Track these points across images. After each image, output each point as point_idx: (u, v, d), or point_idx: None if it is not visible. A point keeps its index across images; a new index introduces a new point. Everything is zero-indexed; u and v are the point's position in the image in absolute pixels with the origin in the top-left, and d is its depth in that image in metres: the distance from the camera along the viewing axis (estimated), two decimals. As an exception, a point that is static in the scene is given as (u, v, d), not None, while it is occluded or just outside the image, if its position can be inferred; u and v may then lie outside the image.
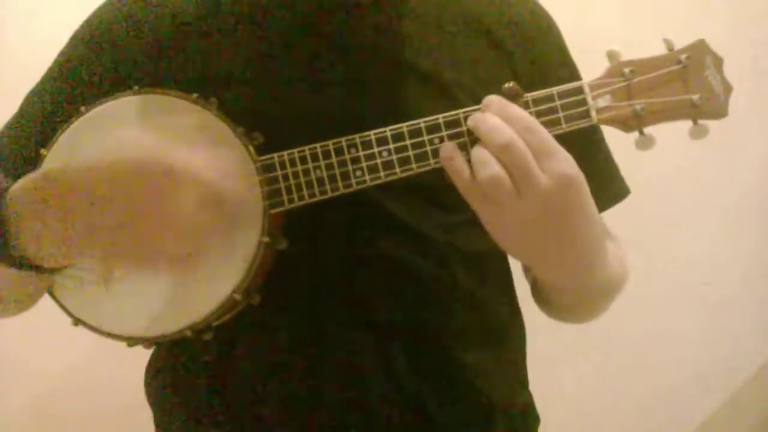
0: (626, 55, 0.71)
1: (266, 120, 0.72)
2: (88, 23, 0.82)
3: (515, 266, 0.90)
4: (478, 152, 0.63)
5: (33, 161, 0.72)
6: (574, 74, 0.85)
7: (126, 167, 0.62)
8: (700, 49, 0.70)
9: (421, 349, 0.78)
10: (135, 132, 0.68)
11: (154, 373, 0.85)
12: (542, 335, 0.95)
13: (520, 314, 0.89)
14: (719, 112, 0.70)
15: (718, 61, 0.71)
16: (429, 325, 0.78)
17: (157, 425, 0.85)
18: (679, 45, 0.71)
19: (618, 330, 1.29)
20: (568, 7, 1.03)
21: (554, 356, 1.26)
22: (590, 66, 0.90)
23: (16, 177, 0.74)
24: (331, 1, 0.78)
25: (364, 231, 0.75)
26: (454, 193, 0.65)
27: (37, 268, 0.65)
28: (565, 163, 0.63)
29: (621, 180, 0.89)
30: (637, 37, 1.42)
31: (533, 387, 0.91)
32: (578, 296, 0.81)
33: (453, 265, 0.79)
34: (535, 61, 0.82)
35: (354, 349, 0.76)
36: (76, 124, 0.71)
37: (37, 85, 0.82)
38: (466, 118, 0.68)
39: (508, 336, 0.86)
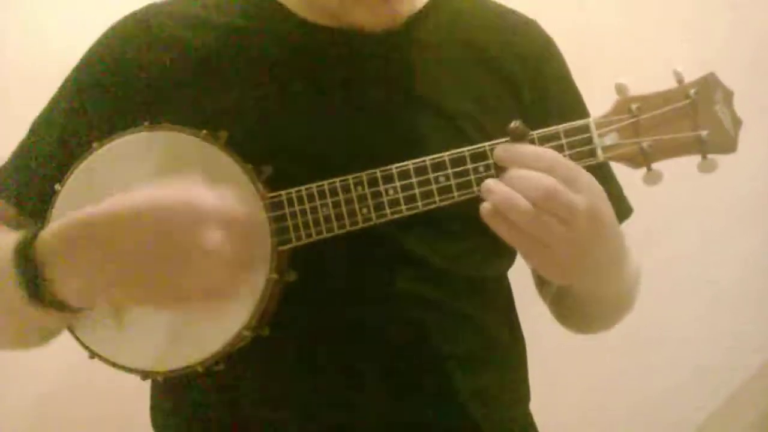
0: (633, 67, 0.71)
1: (274, 152, 0.73)
2: (96, 51, 0.81)
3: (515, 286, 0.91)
4: (512, 198, 0.62)
5: (44, 195, 0.73)
6: (577, 100, 0.86)
7: (151, 213, 0.62)
8: (709, 83, 0.69)
9: (419, 368, 0.78)
10: (150, 172, 0.68)
11: (157, 403, 0.86)
12: (542, 335, 0.95)
13: (521, 334, 0.90)
14: (729, 146, 0.70)
15: (728, 95, 0.70)
16: (426, 345, 0.79)
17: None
18: (685, 55, 0.70)
19: (618, 330, 1.29)
20: (568, 7, 1.02)
21: (554, 356, 1.27)
22: (590, 66, 0.90)
23: (30, 210, 0.76)
24: (339, 31, 0.78)
25: (369, 260, 0.76)
26: (458, 222, 0.66)
27: (63, 308, 0.66)
28: (589, 178, 0.65)
29: (626, 200, 0.90)
30: (637, 38, 1.40)
31: (533, 387, 0.91)
32: (597, 303, 0.82)
33: (456, 291, 0.79)
34: (540, 88, 0.82)
35: (352, 367, 0.77)
36: (89, 161, 0.72)
37: (44, 113, 0.82)
38: (471, 156, 0.68)
39: (509, 357, 0.87)
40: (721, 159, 0.70)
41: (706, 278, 1.60)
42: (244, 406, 0.78)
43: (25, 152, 0.81)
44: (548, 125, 0.68)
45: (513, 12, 0.89)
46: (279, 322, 0.73)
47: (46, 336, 0.77)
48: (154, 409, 0.85)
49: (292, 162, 0.73)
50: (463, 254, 0.78)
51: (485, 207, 0.64)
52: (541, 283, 0.94)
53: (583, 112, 0.87)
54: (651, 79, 0.70)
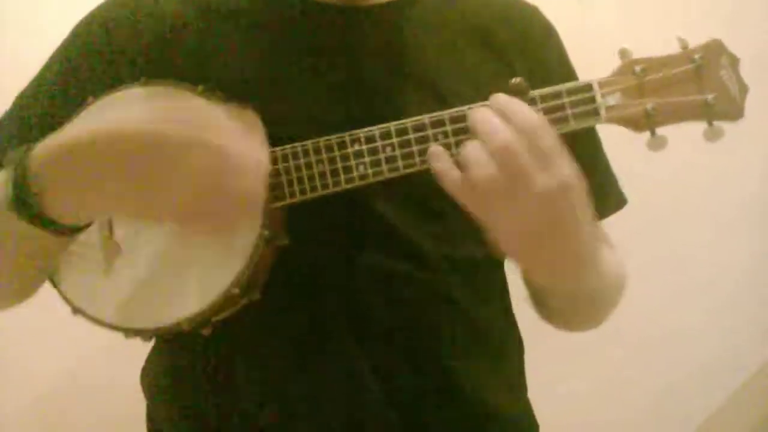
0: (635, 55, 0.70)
1: (267, 124, 0.71)
2: (86, 22, 0.81)
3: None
4: (472, 151, 0.61)
5: None
6: (573, 77, 0.85)
7: (148, 135, 0.60)
8: (715, 48, 0.68)
9: (417, 358, 0.78)
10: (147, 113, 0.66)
11: (151, 373, 0.86)
12: (541, 335, 0.94)
13: (516, 323, 0.89)
14: (735, 113, 0.68)
15: (734, 61, 0.69)
16: (424, 334, 0.78)
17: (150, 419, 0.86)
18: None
19: (618, 330, 1.27)
20: (568, 7, 1.02)
21: (554, 356, 1.25)
22: (590, 66, 0.89)
23: None
24: (335, 6, 0.77)
25: (362, 240, 0.75)
26: (451, 201, 0.64)
27: (55, 226, 0.63)
28: (567, 168, 0.61)
29: (619, 190, 0.88)
30: (637, 38, 1.41)
31: (532, 387, 0.90)
32: (569, 300, 0.79)
33: (447, 275, 0.78)
34: (536, 69, 0.80)
35: (352, 355, 0.76)
36: (86, 112, 0.71)
37: (33, 82, 0.80)
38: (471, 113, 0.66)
39: (504, 345, 0.86)
40: (722, 159, 0.70)
41: (706, 278, 1.60)
42: (237, 391, 0.77)
43: (12, 116, 0.80)
44: None
45: None
46: (269, 303, 0.72)
47: (35, 277, 0.73)
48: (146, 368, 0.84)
49: (286, 135, 0.71)
50: (454, 236, 0.77)
51: (433, 147, 0.64)
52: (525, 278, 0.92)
53: None
54: None
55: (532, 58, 0.82)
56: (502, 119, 0.61)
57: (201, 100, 0.68)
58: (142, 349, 0.87)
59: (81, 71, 0.77)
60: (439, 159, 0.63)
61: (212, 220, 0.63)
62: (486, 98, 0.66)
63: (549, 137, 0.61)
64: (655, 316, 1.52)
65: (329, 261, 0.75)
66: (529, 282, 0.82)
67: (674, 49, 0.69)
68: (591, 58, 0.95)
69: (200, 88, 0.70)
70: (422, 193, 0.72)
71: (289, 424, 0.77)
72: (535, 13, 0.88)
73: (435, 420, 0.78)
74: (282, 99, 0.75)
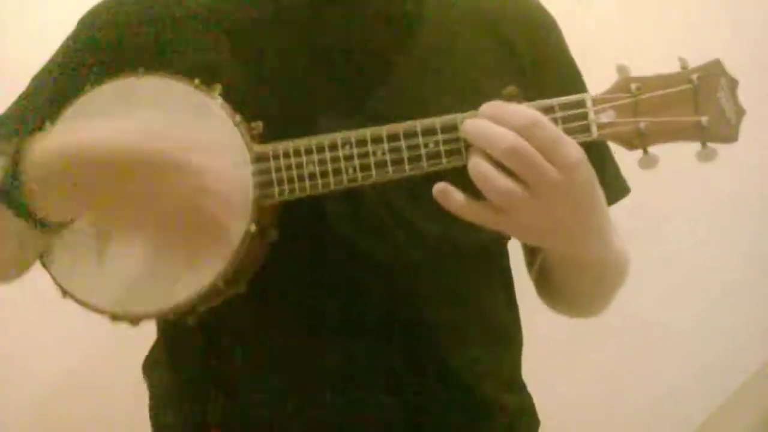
0: (632, 62, 0.69)
1: (265, 110, 0.72)
2: (93, 11, 0.82)
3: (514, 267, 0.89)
4: (478, 167, 0.62)
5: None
6: (576, 74, 0.86)
7: (133, 146, 0.64)
8: (714, 69, 0.68)
9: (418, 344, 0.78)
10: (140, 113, 0.68)
11: (152, 363, 0.88)
12: (541, 336, 0.95)
13: (518, 314, 0.89)
14: (729, 136, 0.68)
15: (733, 84, 0.68)
16: (424, 320, 0.79)
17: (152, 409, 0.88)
18: (685, 53, 0.69)
19: (617, 330, 1.28)
20: (567, 6, 1.01)
21: (554, 356, 1.26)
22: (589, 66, 0.89)
23: None
24: None
25: (362, 223, 0.75)
26: (454, 182, 0.64)
27: (42, 221, 0.65)
28: (573, 148, 0.62)
29: (622, 179, 0.88)
30: (636, 37, 1.39)
31: (532, 386, 0.90)
32: (598, 268, 0.79)
33: (449, 259, 0.79)
34: (540, 59, 0.81)
35: (351, 346, 0.77)
36: (80, 101, 0.72)
37: (43, 68, 0.83)
38: (463, 122, 0.66)
39: (506, 335, 0.86)
40: (722, 157, 0.69)
41: (706, 278, 1.59)
42: (235, 382, 0.79)
43: (23, 101, 0.82)
44: (546, 97, 0.66)
45: None
46: (268, 287, 0.72)
47: (22, 262, 0.76)
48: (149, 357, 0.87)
49: (281, 117, 0.72)
50: (457, 221, 0.77)
51: (436, 187, 0.63)
52: (529, 256, 0.93)
53: (582, 87, 0.86)
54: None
55: (534, 44, 0.82)
56: (499, 125, 0.62)
57: (194, 98, 0.69)
58: (143, 350, 0.89)
59: (84, 62, 0.79)
60: (448, 197, 0.63)
61: (195, 231, 0.66)
62: (491, 83, 0.69)
63: (548, 127, 0.62)
64: (654, 316, 1.52)
65: (328, 249, 0.75)
66: (541, 272, 0.84)
67: (672, 50, 0.69)
68: (590, 58, 0.95)
69: (196, 81, 0.70)
70: (425, 178, 0.72)
71: (288, 414, 0.78)
72: (539, 5, 0.88)
73: (434, 410, 0.79)
74: (279, 86, 0.76)
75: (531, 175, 0.61)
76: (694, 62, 0.69)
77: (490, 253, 0.84)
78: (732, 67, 0.70)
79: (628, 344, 1.53)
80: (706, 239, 1.58)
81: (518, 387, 0.88)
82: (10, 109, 0.82)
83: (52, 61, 0.83)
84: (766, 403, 1.70)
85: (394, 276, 0.77)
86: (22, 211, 0.63)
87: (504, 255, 0.87)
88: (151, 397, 0.88)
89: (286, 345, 0.77)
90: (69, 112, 0.72)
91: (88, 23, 0.82)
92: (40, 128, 0.72)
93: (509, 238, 0.86)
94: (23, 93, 0.83)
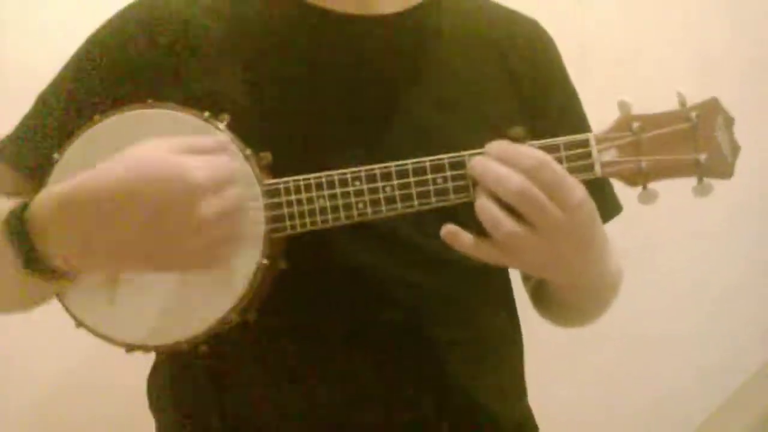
0: (633, 62, 0.71)
1: (272, 137, 0.73)
2: (104, 29, 0.82)
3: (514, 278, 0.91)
4: (487, 211, 0.64)
5: (47, 163, 0.73)
6: (576, 102, 0.89)
7: (146, 180, 0.63)
8: (711, 107, 0.70)
9: (421, 361, 0.80)
10: (150, 146, 0.68)
11: (156, 384, 0.88)
12: (541, 339, 0.96)
13: (519, 326, 0.91)
14: (725, 172, 0.71)
15: (729, 121, 0.71)
16: (427, 338, 0.80)
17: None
18: (685, 53, 0.71)
19: (617, 331, 1.29)
20: (567, 7, 1.02)
21: (554, 356, 1.28)
22: (589, 67, 0.90)
23: (33, 177, 0.76)
24: (340, 15, 0.78)
25: (366, 245, 0.77)
26: (462, 215, 0.66)
27: (53, 275, 0.67)
28: (577, 189, 0.65)
29: (615, 198, 0.91)
30: (636, 38, 1.40)
31: (531, 390, 0.92)
32: (594, 291, 0.83)
33: (449, 276, 0.80)
34: (540, 86, 0.84)
35: (354, 361, 0.78)
36: (89, 133, 0.72)
37: (50, 86, 0.82)
38: (471, 159, 0.68)
39: (506, 348, 0.89)
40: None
41: (706, 280, 1.61)
42: (240, 398, 0.80)
43: (29, 122, 0.81)
44: (546, 123, 0.69)
45: (516, 11, 0.90)
46: (268, 309, 0.73)
47: (37, 300, 0.77)
48: (152, 386, 0.88)
49: (290, 147, 0.73)
50: None
51: (444, 229, 0.66)
52: (525, 276, 0.95)
53: (581, 115, 0.89)
54: (651, 79, 0.70)
55: (535, 71, 0.85)
56: (506, 165, 0.64)
57: (203, 131, 0.70)
58: (142, 353, 0.90)
59: (93, 83, 0.79)
60: (457, 238, 0.66)
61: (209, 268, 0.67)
62: (493, 109, 0.71)
63: (554, 169, 0.64)
64: (654, 318, 1.53)
65: (333, 271, 0.77)
66: (536, 287, 0.86)
67: (672, 50, 0.71)
68: (590, 58, 0.96)
69: (206, 114, 0.71)
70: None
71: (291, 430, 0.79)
72: (537, 27, 0.90)
73: (437, 427, 0.81)
74: (285, 112, 0.77)
75: (536, 215, 0.63)
76: (694, 63, 0.72)
77: (491, 269, 0.86)
78: (732, 71, 0.71)
79: (628, 346, 1.54)
80: (706, 241, 1.60)
81: (518, 399, 0.91)
82: (18, 129, 0.81)
83: (60, 78, 0.82)
84: (766, 404, 1.72)
85: (398, 295, 0.79)
86: (31, 266, 0.65)
87: (503, 274, 0.89)
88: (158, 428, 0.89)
89: (294, 365, 0.78)
90: (77, 144, 0.73)
91: (98, 42, 0.81)
92: (49, 158, 0.73)
93: None
94: (31, 112, 0.82)
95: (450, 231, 0.66)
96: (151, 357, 0.88)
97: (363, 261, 0.77)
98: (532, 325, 0.93)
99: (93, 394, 1.34)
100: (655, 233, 1.48)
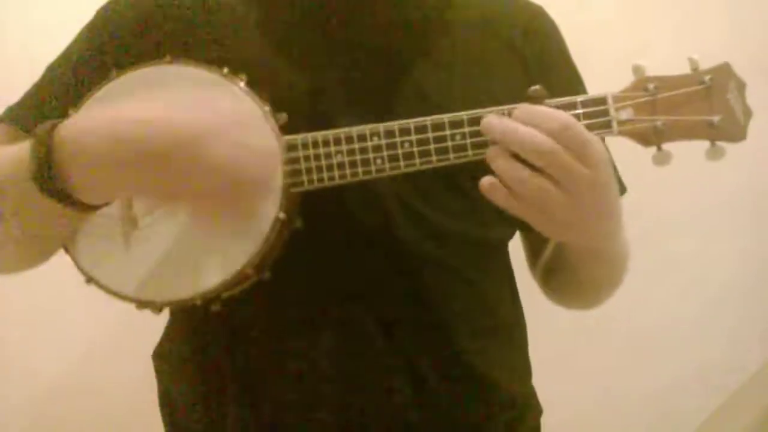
0: (632, 63, 0.72)
1: (285, 103, 0.72)
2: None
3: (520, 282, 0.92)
4: (514, 170, 0.64)
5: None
6: (579, 81, 0.90)
7: (171, 126, 0.62)
8: (724, 72, 0.71)
9: (428, 332, 0.80)
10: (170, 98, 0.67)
11: (165, 351, 0.87)
12: (542, 336, 0.96)
13: (521, 306, 0.92)
14: (738, 135, 0.71)
15: (741, 86, 0.72)
16: (434, 308, 0.80)
17: (163, 404, 0.87)
18: (685, 52, 0.72)
19: (617, 330, 1.29)
20: (567, 3, 1.04)
21: (554, 356, 1.27)
22: (589, 67, 0.92)
23: None
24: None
25: (379, 219, 0.77)
26: (465, 177, 0.67)
27: (74, 202, 0.65)
28: (598, 146, 0.65)
29: (620, 180, 0.91)
30: (636, 38, 1.42)
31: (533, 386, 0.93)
32: (611, 261, 0.83)
33: (457, 250, 0.81)
34: (545, 67, 0.85)
35: (369, 333, 0.78)
36: (106, 88, 0.72)
37: (60, 57, 0.82)
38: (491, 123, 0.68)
39: (511, 326, 0.89)
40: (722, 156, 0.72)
41: (706, 278, 1.60)
42: (248, 353, 0.79)
43: (40, 88, 0.82)
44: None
45: None
46: (282, 269, 0.73)
47: (47, 247, 0.75)
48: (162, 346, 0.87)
49: (300, 114, 0.73)
50: (464, 212, 0.79)
51: (484, 180, 0.65)
52: (533, 258, 0.95)
53: (583, 91, 0.90)
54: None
55: (540, 52, 0.86)
56: (531, 123, 0.64)
57: (223, 86, 0.70)
58: (142, 349, 0.89)
59: (107, 45, 0.79)
60: (494, 189, 0.65)
61: (229, 207, 0.66)
62: (501, 85, 0.73)
63: (578, 130, 0.64)
64: (654, 316, 1.52)
65: (346, 239, 0.77)
66: (548, 266, 0.86)
67: (672, 50, 0.72)
68: (590, 58, 0.98)
69: (224, 70, 0.71)
70: (446, 171, 0.73)
71: (302, 397, 0.78)
72: (541, 10, 0.92)
73: (451, 403, 0.81)
74: (298, 80, 0.77)
75: (562, 173, 0.64)
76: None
77: (496, 249, 0.87)
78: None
79: (628, 344, 1.54)
80: (705, 239, 1.60)
81: (524, 377, 0.91)
82: (25, 96, 0.82)
83: (69, 49, 0.82)
84: (766, 403, 1.71)
85: (413, 268, 0.79)
86: (55, 192, 0.63)
87: (506, 252, 0.90)
88: (162, 390, 0.87)
89: (298, 330, 0.78)
90: (94, 98, 0.72)
91: (109, 9, 0.82)
92: (63, 115, 0.73)
93: (512, 236, 0.89)
94: (39, 81, 0.82)
95: (490, 181, 0.65)
96: (148, 355, 0.87)
97: (374, 228, 0.77)
98: (532, 321, 0.93)
99: (93, 394, 1.33)
100: (655, 232, 1.49)
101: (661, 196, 1.42)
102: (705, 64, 0.73)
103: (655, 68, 0.72)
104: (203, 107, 0.64)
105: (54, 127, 0.64)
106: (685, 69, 0.73)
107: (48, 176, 0.62)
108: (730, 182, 1.53)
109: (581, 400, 1.55)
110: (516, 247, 0.93)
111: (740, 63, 0.74)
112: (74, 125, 0.64)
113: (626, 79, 0.72)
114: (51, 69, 0.82)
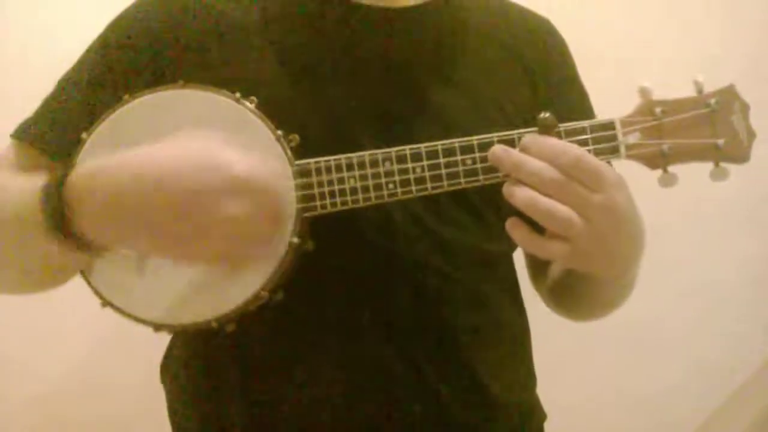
0: (633, 62, 0.73)
1: (301, 124, 0.73)
2: (128, 13, 0.82)
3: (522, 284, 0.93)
4: (540, 202, 0.64)
5: (73, 144, 0.73)
6: (585, 99, 0.91)
7: (191, 165, 0.63)
8: (728, 94, 0.73)
9: (434, 342, 0.81)
10: (179, 128, 0.68)
11: (174, 355, 0.88)
12: (542, 336, 0.97)
13: (526, 316, 0.93)
14: (742, 157, 0.73)
15: (745, 107, 0.73)
16: (448, 323, 0.82)
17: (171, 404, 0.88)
18: (686, 52, 0.73)
19: (618, 330, 1.29)
20: (568, 7, 1.04)
21: (555, 357, 1.29)
22: (589, 67, 0.93)
23: (57, 158, 0.76)
24: (372, 7, 0.80)
25: (391, 234, 0.78)
26: (475, 190, 0.69)
27: (83, 246, 0.66)
28: (610, 173, 0.66)
29: None
30: (636, 38, 1.42)
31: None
32: (630, 284, 0.84)
33: (464, 263, 0.82)
34: (553, 85, 0.87)
35: (379, 345, 0.79)
36: (119, 112, 0.72)
37: (71, 70, 0.82)
38: (499, 142, 0.70)
39: (516, 336, 0.91)
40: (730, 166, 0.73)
41: (705, 279, 1.61)
42: (254, 366, 0.80)
43: (52, 104, 0.81)
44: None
45: (528, 10, 0.93)
46: (292, 288, 0.74)
47: (59, 277, 0.76)
48: (168, 359, 0.87)
49: (318, 135, 0.74)
50: (473, 226, 0.81)
51: (511, 220, 0.67)
52: (536, 274, 0.97)
53: (589, 108, 0.92)
54: (651, 79, 0.72)
55: (549, 70, 0.88)
56: (543, 158, 0.65)
57: (235, 111, 0.70)
58: (143, 349, 0.90)
59: (118, 64, 0.79)
60: (514, 228, 0.67)
61: (243, 251, 0.67)
62: (513, 106, 0.73)
63: (589, 160, 0.65)
64: (655, 316, 1.53)
65: (360, 257, 0.78)
66: (555, 284, 0.88)
67: (672, 50, 0.73)
68: (590, 58, 0.98)
69: (237, 94, 0.72)
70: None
71: (316, 404, 0.79)
72: (551, 26, 0.93)
73: (457, 411, 0.82)
74: (314, 101, 0.78)
75: (578, 202, 0.65)
76: (695, 64, 0.74)
77: (502, 261, 0.88)
78: (732, 71, 0.74)
79: (628, 344, 1.54)
80: (706, 240, 1.61)
81: (528, 386, 0.93)
82: (40, 113, 0.81)
83: (81, 64, 0.82)
84: (766, 403, 1.70)
85: (420, 281, 0.80)
86: (61, 233, 0.64)
87: (511, 263, 0.92)
88: (171, 399, 0.89)
89: (318, 348, 0.79)
90: (106, 124, 0.73)
91: (123, 22, 0.82)
92: (76, 139, 0.73)
93: (515, 249, 0.90)
94: (52, 96, 0.81)
95: (514, 222, 0.67)
96: (153, 357, 0.88)
97: (388, 251, 0.78)
98: (534, 324, 0.95)
99: (93, 394, 1.33)
100: (655, 233, 1.50)
101: (661, 197, 1.42)
102: (705, 65, 0.74)
103: (656, 69, 0.73)
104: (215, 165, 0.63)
105: (64, 176, 0.65)
106: (685, 71, 0.74)
107: (60, 225, 0.64)
108: (729, 182, 1.53)
109: (581, 400, 1.56)
110: (520, 253, 0.95)
111: (740, 63, 0.75)
112: (80, 173, 0.65)
113: (626, 80, 0.73)
114: (63, 84, 0.82)
